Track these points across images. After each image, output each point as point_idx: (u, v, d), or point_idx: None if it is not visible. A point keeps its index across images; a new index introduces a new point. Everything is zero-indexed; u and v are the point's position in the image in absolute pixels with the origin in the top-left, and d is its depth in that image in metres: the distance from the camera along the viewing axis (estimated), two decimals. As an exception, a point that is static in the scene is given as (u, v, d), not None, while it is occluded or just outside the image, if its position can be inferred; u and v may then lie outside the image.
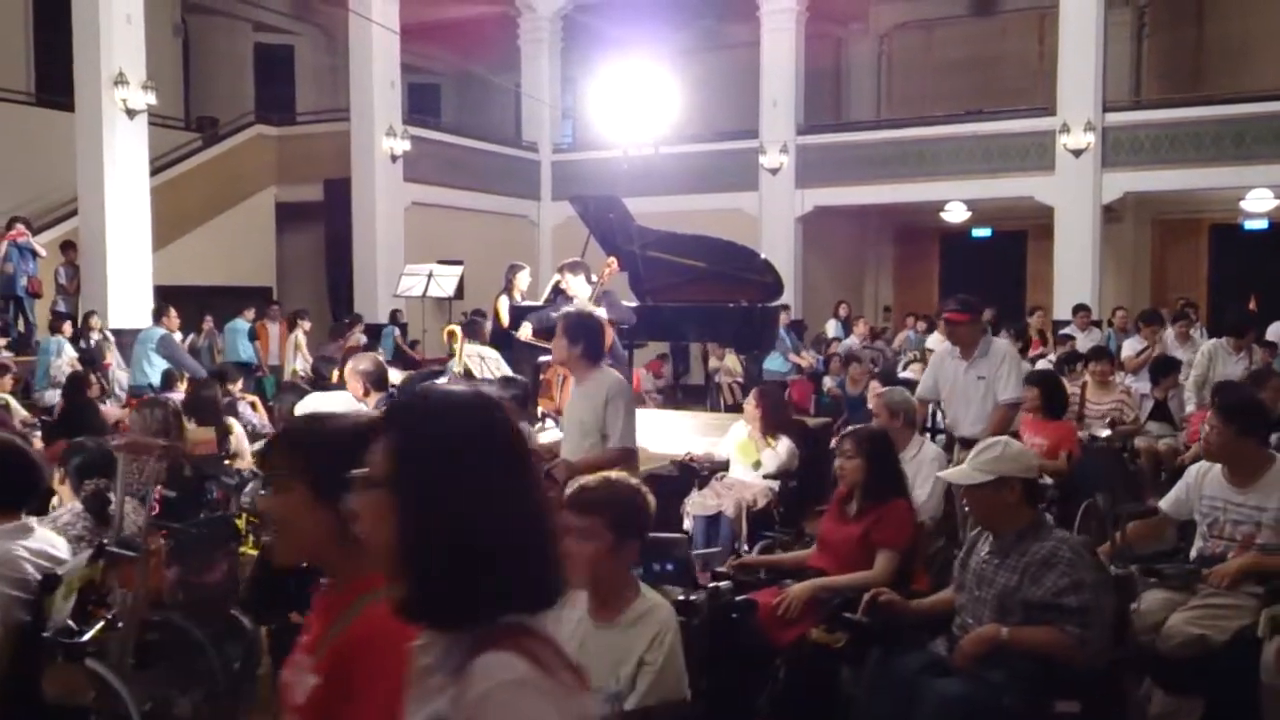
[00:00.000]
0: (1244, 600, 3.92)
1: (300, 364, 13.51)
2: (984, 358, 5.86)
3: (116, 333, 12.19)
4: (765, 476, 6.37)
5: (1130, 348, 10.70)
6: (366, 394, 5.84)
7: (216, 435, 7.08)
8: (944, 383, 6.05)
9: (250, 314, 14.45)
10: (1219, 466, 4.24)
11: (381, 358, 6.56)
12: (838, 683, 3.91)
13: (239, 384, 9.50)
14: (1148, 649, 3.95)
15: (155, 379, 9.93)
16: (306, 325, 14.07)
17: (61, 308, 13.62)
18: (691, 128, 17.73)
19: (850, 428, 4.94)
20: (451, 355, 10.00)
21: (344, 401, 6.08)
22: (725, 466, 6.73)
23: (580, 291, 7.44)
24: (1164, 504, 4.49)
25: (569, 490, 2.95)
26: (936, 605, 3.89)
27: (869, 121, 19.23)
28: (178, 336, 11.40)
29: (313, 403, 6.56)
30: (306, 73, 20.75)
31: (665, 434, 8.24)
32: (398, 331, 15.13)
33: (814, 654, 3.91)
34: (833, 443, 5.51)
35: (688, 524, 6.32)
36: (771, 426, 6.47)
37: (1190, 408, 8.11)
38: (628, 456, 5.00)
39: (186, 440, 5.29)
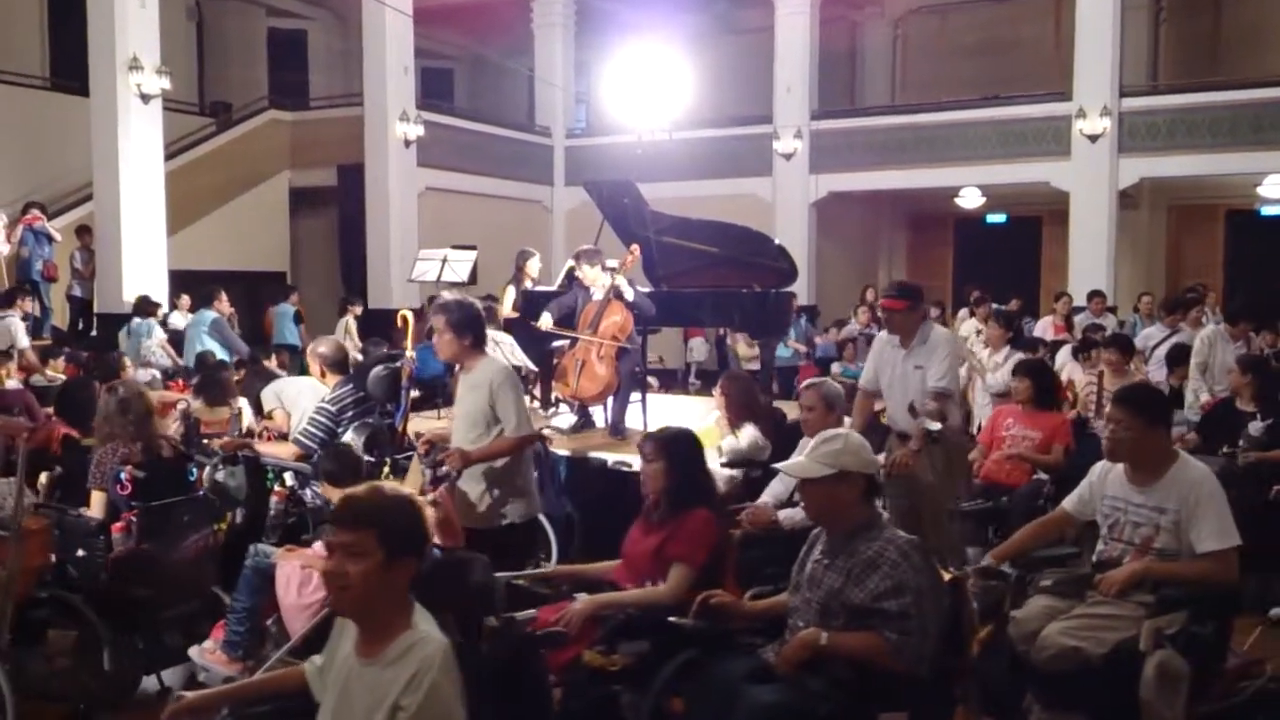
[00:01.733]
0: (1130, 610, 3.71)
1: (350, 349, 13.54)
2: (922, 346, 5.54)
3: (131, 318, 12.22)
4: (723, 465, 6.09)
5: (1155, 336, 10.59)
6: (324, 375, 5.95)
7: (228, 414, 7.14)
8: (883, 373, 5.76)
9: (296, 298, 14.55)
10: (1122, 464, 4.00)
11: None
12: (617, 709, 3.58)
13: (274, 362, 9.72)
14: (1024, 660, 3.74)
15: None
16: (358, 310, 14.07)
17: (77, 292, 13.73)
18: (705, 113, 17.69)
19: (653, 429, 4.50)
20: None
21: (309, 386, 6.23)
22: None
23: (597, 280, 7.40)
24: (1067, 503, 4.20)
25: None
26: (774, 608, 3.64)
27: (883, 106, 19.12)
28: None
29: (279, 388, 6.69)
30: (320, 57, 20.70)
31: (678, 423, 8.23)
32: None
33: (590, 678, 3.59)
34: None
35: None
36: (737, 414, 6.26)
37: (1205, 396, 8.06)
38: (525, 444, 4.95)
39: (158, 424, 5.28)
